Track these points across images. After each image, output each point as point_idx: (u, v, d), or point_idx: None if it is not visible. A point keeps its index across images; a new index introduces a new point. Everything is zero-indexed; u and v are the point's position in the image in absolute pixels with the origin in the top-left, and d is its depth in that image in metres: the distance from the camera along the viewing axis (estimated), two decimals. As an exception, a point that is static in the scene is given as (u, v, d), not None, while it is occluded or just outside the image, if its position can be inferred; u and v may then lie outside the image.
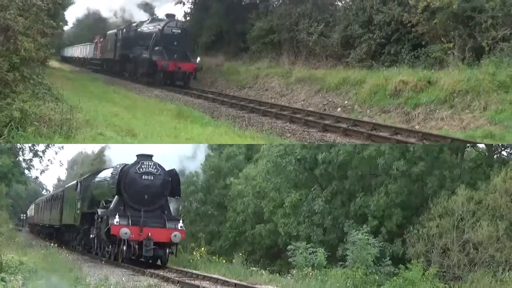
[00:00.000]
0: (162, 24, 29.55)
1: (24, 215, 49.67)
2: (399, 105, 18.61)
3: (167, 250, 13.98)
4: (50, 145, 27.86)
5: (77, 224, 18.31)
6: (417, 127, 16.99)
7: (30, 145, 27.54)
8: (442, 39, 20.98)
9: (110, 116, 13.66)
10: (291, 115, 18.54)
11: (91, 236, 16.43)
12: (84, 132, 10.44)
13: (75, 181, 20.51)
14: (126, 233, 13.42)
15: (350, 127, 16.55)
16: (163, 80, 28.26)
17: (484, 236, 13.07)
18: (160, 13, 35.17)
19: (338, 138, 15.52)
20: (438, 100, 17.54)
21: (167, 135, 12.77)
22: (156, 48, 28.70)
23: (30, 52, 10.62)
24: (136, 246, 13.51)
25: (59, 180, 69.25)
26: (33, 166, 31.43)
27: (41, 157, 29.71)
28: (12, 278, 8.21)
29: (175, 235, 13.79)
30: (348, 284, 12.03)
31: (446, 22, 20.57)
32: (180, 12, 66.27)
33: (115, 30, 38.14)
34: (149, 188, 14.40)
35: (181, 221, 14.36)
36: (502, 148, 16.30)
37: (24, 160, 30.16)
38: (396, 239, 14.88)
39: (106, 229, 14.03)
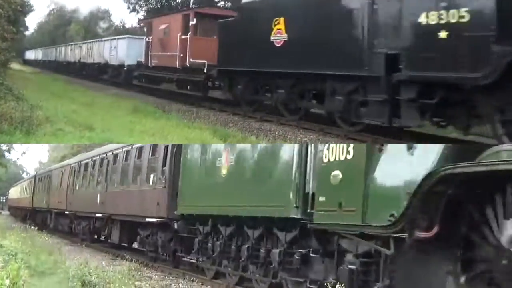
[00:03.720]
0: None
1: (4, 197, 45.18)
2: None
3: None
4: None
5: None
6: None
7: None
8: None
9: (69, 113, 13.10)
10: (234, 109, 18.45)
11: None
12: (44, 128, 10.01)
13: None
14: None
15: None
16: None
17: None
18: (116, 20, 31.92)
19: (274, 126, 15.64)
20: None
21: (123, 128, 12.41)
22: None
23: (-10, 56, 10.05)
24: None
25: (40, 163, 61.96)
26: (13, 148, 27.08)
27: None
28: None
29: None
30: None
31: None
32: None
33: None
34: None
35: None
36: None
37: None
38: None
39: None
